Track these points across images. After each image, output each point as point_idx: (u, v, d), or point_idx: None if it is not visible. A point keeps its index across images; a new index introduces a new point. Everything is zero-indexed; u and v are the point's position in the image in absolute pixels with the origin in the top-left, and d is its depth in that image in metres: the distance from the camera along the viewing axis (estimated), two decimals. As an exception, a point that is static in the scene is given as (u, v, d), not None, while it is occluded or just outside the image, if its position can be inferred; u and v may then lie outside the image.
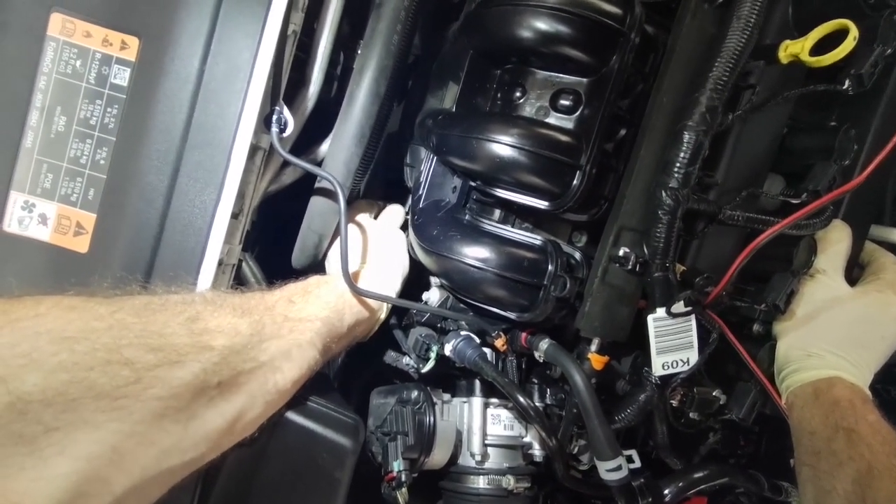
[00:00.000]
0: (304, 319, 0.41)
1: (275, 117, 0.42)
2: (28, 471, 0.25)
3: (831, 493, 0.40)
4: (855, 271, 0.54)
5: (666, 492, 0.48)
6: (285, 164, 0.50)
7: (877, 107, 0.51)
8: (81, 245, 0.39)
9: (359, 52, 0.53)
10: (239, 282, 0.51)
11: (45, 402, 0.26)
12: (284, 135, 0.44)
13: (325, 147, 0.56)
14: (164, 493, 0.33)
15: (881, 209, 0.64)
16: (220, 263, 0.43)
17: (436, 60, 0.58)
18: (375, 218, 0.59)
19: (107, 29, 0.38)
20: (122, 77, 0.38)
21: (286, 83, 0.46)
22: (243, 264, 0.51)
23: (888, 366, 0.50)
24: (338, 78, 0.54)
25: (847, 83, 0.46)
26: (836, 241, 0.50)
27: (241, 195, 0.45)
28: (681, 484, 0.49)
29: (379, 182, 0.62)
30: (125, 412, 0.29)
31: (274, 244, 0.57)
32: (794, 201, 0.50)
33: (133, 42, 0.38)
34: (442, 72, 0.57)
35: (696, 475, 0.50)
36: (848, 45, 0.42)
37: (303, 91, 0.49)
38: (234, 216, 0.43)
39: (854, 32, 0.42)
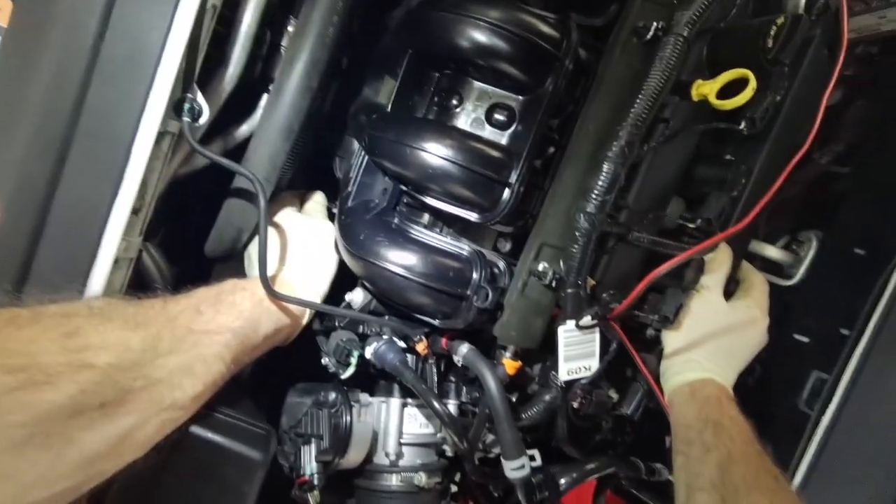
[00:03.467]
0: (211, 332, 0.39)
1: (187, 105, 0.37)
2: None
3: (699, 477, 0.46)
4: (732, 285, 0.62)
5: (562, 481, 0.54)
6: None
7: (763, 146, 0.58)
8: (-68, 241, 0.33)
9: (288, 30, 0.49)
10: (139, 274, 0.46)
11: None
12: (199, 123, 0.40)
13: (245, 129, 0.52)
14: None
15: (757, 228, 0.74)
16: (116, 261, 0.39)
17: (374, 48, 0.55)
18: (300, 209, 0.56)
19: (-33, -18, 0.31)
20: (-12, 44, 0.32)
21: (202, 62, 0.41)
22: (144, 255, 0.47)
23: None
24: (263, 57, 0.49)
25: (743, 124, 0.52)
26: (721, 263, 0.57)
27: (143, 185, 0.40)
28: (574, 475, 0.54)
29: (304, 170, 0.59)
30: None
31: (183, 224, 0.51)
32: (691, 225, 0.56)
33: (5, 5, 0.31)
34: (379, 63, 0.54)
35: (587, 467, 0.56)
36: (747, 93, 0.47)
37: (221, 71, 0.44)
38: (135, 212, 0.38)
39: (753, 84, 0.47)
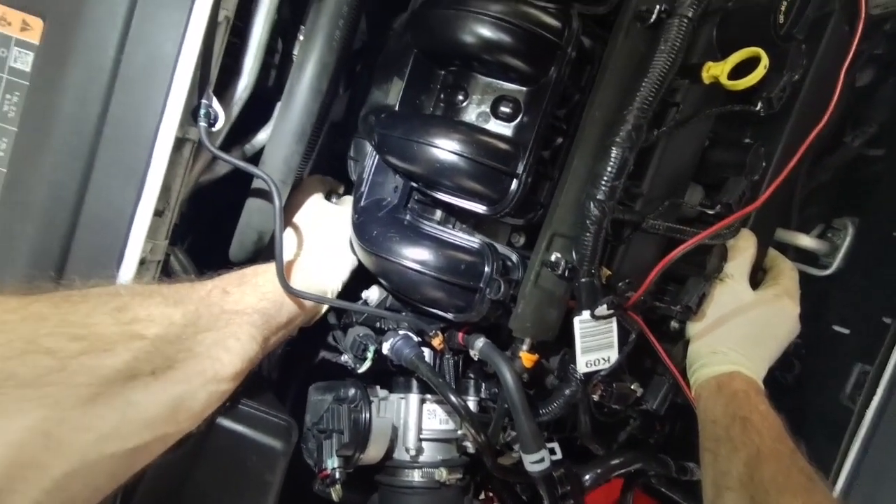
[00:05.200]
0: (240, 312, 0.41)
1: (203, 111, 0.40)
2: None
3: (727, 475, 0.44)
4: (759, 274, 0.60)
5: (586, 477, 0.52)
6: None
7: (784, 127, 0.56)
8: (-23, 244, 0.36)
9: (299, 39, 0.51)
10: (167, 276, 0.49)
11: None
12: (214, 129, 0.42)
13: (262, 136, 0.54)
14: (118, 483, 0.32)
15: (787, 216, 0.71)
16: (143, 262, 0.41)
17: (381, 52, 0.57)
18: (328, 196, 0.57)
19: (4, 7, 0.34)
20: (23, 61, 0.34)
21: (218, 72, 0.43)
22: (171, 258, 0.49)
23: (784, 355, 0.56)
24: (276, 66, 0.51)
25: (759, 105, 0.51)
26: (743, 249, 0.55)
27: (166, 190, 0.42)
28: (599, 470, 0.53)
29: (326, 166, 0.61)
30: (52, 399, 0.28)
31: (209, 233, 0.54)
32: (710, 212, 0.55)
33: (36, 23, 0.34)
34: (387, 65, 0.56)
35: (613, 462, 0.54)
36: (759, 72, 0.46)
37: (236, 80, 0.46)
38: (158, 213, 0.40)
39: (765, 61, 0.46)
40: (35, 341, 0.29)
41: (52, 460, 0.28)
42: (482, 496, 0.64)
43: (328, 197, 0.59)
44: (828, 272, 0.67)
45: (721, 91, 0.51)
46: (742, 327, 0.53)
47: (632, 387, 0.55)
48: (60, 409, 0.28)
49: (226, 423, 0.38)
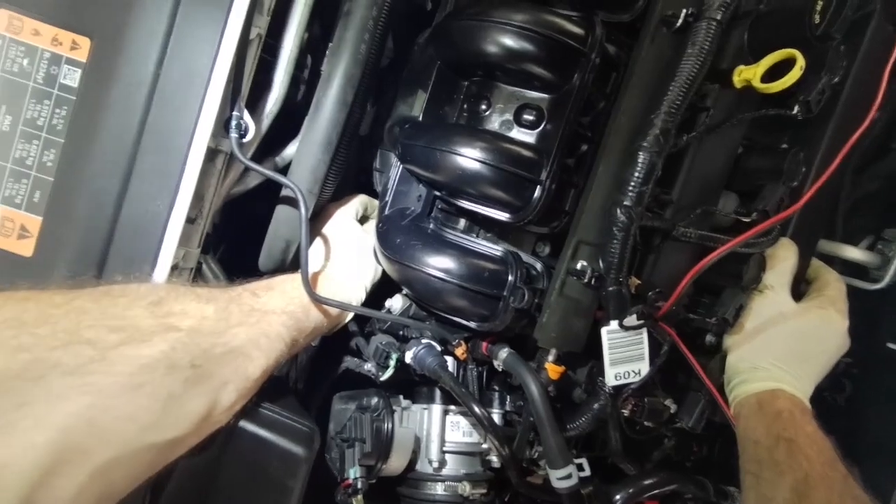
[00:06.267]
0: (269, 312, 0.42)
1: (234, 122, 0.41)
2: (5, 440, 0.26)
3: (772, 502, 0.41)
4: (802, 286, 0.57)
5: (616, 498, 0.50)
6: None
7: (824, 131, 0.53)
8: (26, 249, 0.38)
9: (328, 55, 0.53)
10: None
11: (11, 380, 0.27)
12: (245, 140, 0.44)
13: (292, 149, 0.55)
14: (156, 470, 0.33)
15: (831, 226, 0.67)
16: (176, 268, 0.42)
17: (406, 66, 0.58)
18: (364, 217, 0.58)
19: (57, 28, 0.37)
20: (72, 78, 0.37)
21: (251, 87, 0.45)
22: (203, 267, 0.51)
23: (834, 375, 0.53)
24: (305, 81, 0.53)
25: (796, 108, 0.49)
26: (783, 259, 0.52)
27: (199, 198, 0.44)
28: (631, 490, 0.50)
29: (349, 186, 0.62)
30: (95, 388, 0.29)
31: (241, 244, 0.56)
32: (745, 220, 0.52)
33: (84, 42, 0.37)
34: (411, 79, 0.57)
35: (646, 482, 0.52)
36: (795, 74, 0.44)
37: (267, 94, 0.48)
38: (191, 220, 0.42)
39: (801, 62, 0.44)
40: (77, 332, 0.30)
41: (96, 446, 0.29)
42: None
43: (364, 218, 0.59)
44: (880, 286, 0.63)
45: (755, 96, 0.49)
46: (784, 341, 0.49)
47: (665, 402, 0.52)
48: (104, 396, 0.29)
49: (249, 426, 0.38)
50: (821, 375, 0.50)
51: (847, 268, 0.64)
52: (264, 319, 0.41)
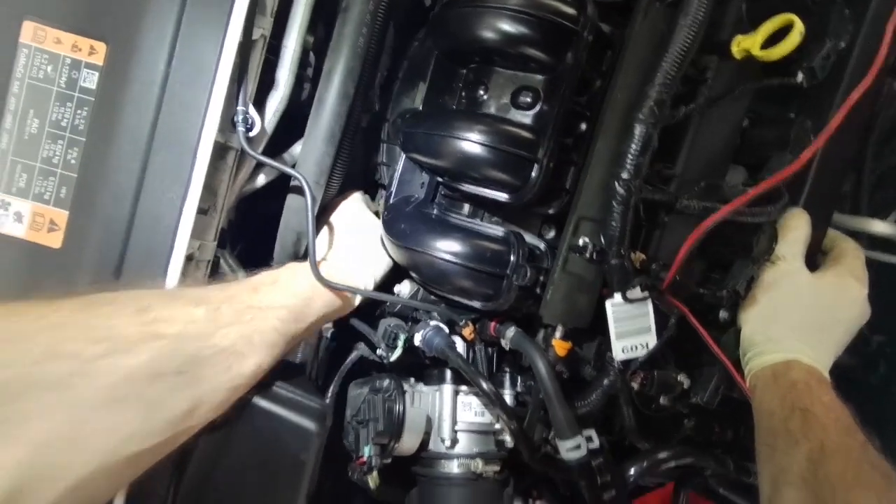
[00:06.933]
0: (267, 308, 0.42)
1: (240, 117, 0.44)
2: None
3: (787, 471, 0.41)
4: (819, 258, 0.55)
5: (631, 471, 0.50)
6: (259, 164, 0.52)
7: (833, 99, 0.52)
8: (55, 241, 0.41)
9: (328, 52, 0.55)
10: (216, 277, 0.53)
11: None
12: (251, 134, 0.46)
13: (299, 148, 0.58)
14: (138, 474, 0.34)
15: (856, 201, 0.65)
16: (192, 258, 0.45)
17: (406, 59, 0.60)
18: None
19: (76, 35, 0.40)
20: (90, 81, 0.40)
21: (257, 86, 0.48)
22: (221, 261, 0.53)
23: (868, 353, 0.51)
24: (309, 80, 0.55)
25: (800, 76, 0.48)
26: (794, 228, 0.51)
27: (211, 192, 0.46)
28: (645, 463, 0.50)
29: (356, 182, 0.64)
30: (75, 401, 0.30)
31: (259, 243, 0.58)
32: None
33: (101, 47, 0.40)
34: (411, 72, 0.58)
35: (660, 455, 0.51)
36: (793, 38, 0.43)
37: (273, 92, 0.50)
38: (203, 212, 0.44)
39: (799, 27, 0.43)
40: (58, 346, 0.30)
41: (75, 461, 0.29)
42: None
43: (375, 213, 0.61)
44: (909, 261, 0.61)
45: (757, 66, 0.49)
46: (799, 311, 0.48)
47: (678, 377, 0.52)
48: (82, 409, 0.30)
49: (262, 402, 0.40)
50: (840, 345, 0.49)
51: (873, 242, 0.62)
52: (259, 316, 0.41)
